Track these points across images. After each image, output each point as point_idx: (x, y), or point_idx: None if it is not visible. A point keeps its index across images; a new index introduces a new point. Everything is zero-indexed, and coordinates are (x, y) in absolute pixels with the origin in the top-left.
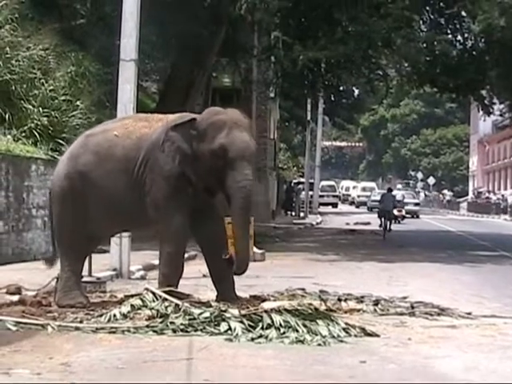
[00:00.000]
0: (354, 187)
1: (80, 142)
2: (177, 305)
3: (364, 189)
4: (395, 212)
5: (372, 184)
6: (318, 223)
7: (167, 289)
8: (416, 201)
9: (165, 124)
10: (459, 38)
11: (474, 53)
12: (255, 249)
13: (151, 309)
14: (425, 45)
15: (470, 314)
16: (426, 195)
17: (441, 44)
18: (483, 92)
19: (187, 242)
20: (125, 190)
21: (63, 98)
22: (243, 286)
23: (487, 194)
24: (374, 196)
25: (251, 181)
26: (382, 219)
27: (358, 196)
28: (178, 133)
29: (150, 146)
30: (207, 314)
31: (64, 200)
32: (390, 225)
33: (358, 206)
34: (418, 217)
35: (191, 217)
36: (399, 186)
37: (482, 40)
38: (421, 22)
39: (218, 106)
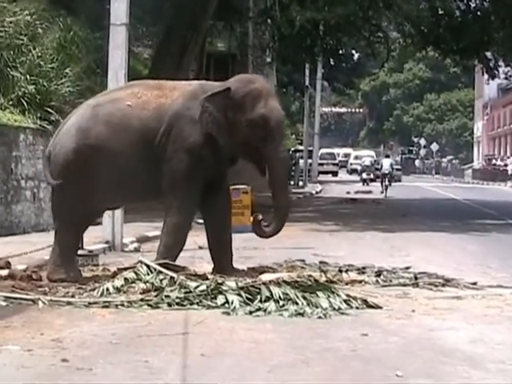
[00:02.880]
0: (345, 155)
1: (88, 113)
2: (172, 278)
3: (356, 157)
4: (364, 175)
5: (365, 152)
6: (317, 192)
7: (162, 261)
8: (397, 166)
9: (184, 93)
10: None
11: (479, 13)
12: (251, 218)
13: (145, 282)
14: (427, 4)
15: (475, 284)
16: (424, 162)
17: (444, 3)
18: (488, 54)
19: (195, 214)
20: (141, 162)
21: (51, 65)
22: (241, 257)
23: (498, 161)
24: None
25: (287, 151)
26: (383, 180)
27: (351, 164)
28: (214, 103)
29: (171, 117)
30: (203, 287)
31: (69, 173)
32: (390, 184)
33: (350, 173)
34: (399, 180)
35: (204, 185)
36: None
37: None
38: None
39: (212, 72)
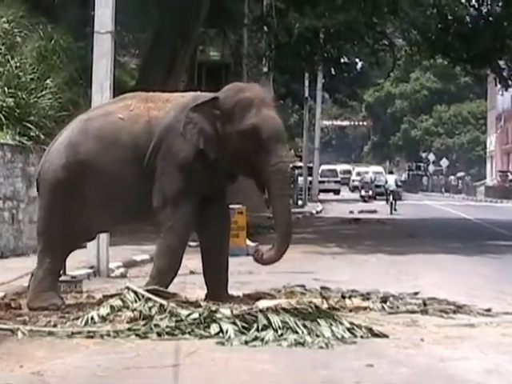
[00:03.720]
0: (344, 171)
1: (78, 127)
2: (162, 305)
3: (359, 174)
4: (362, 192)
5: (373, 168)
6: (318, 212)
7: (150, 287)
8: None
9: (176, 105)
10: (473, 1)
11: (491, 18)
12: (248, 241)
13: (133, 310)
14: (435, 10)
15: (489, 310)
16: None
17: (453, 8)
18: (501, 62)
19: (190, 235)
20: (133, 179)
21: (31, 76)
22: (236, 282)
23: None
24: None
25: (287, 163)
26: (388, 197)
27: (353, 180)
28: (200, 114)
29: (162, 131)
30: (196, 315)
31: (57, 191)
32: (396, 202)
33: (353, 191)
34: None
35: (200, 204)
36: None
37: (500, 4)
38: None
39: (204, 83)
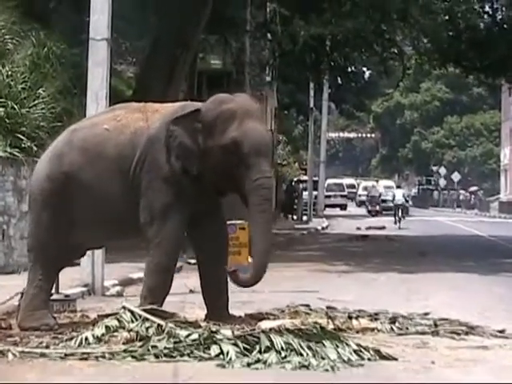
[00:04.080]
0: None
1: (64, 138)
2: (159, 325)
3: (365, 188)
4: (370, 207)
5: (385, 182)
6: (323, 228)
7: (148, 307)
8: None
9: (164, 116)
10: (487, 8)
11: (506, 26)
12: (251, 259)
13: (129, 330)
14: (447, 17)
15: (503, 332)
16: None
17: (466, 16)
18: None
19: (180, 252)
20: (118, 193)
21: (22, 85)
22: (237, 302)
23: None
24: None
25: (270, 178)
26: (396, 212)
27: (360, 195)
28: (181, 127)
29: (147, 143)
30: (195, 336)
31: (45, 205)
32: (403, 215)
33: (359, 206)
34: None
35: (191, 220)
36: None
37: None
38: None
39: (205, 92)
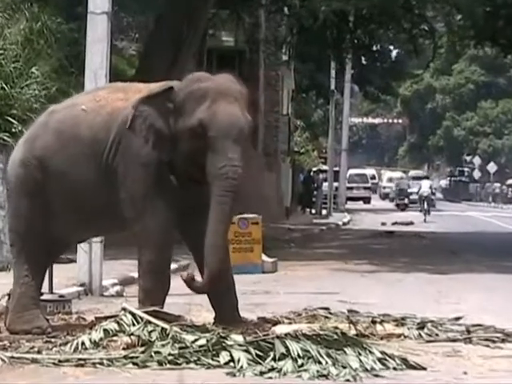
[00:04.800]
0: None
1: (41, 120)
2: (163, 329)
3: (391, 179)
4: (397, 201)
5: (415, 172)
6: (344, 223)
7: (151, 309)
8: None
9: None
10: None
11: None
12: (264, 257)
13: (130, 334)
14: None
15: None
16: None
17: None
18: None
19: (173, 246)
20: (94, 180)
21: (14, 64)
22: (249, 304)
23: None
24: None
25: (237, 167)
26: (422, 205)
27: (384, 187)
28: (151, 107)
29: (121, 125)
30: (203, 342)
31: (20, 192)
32: (429, 208)
33: (383, 199)
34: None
35: (180, 215)
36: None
37: None
38: None
39: (215, 72)
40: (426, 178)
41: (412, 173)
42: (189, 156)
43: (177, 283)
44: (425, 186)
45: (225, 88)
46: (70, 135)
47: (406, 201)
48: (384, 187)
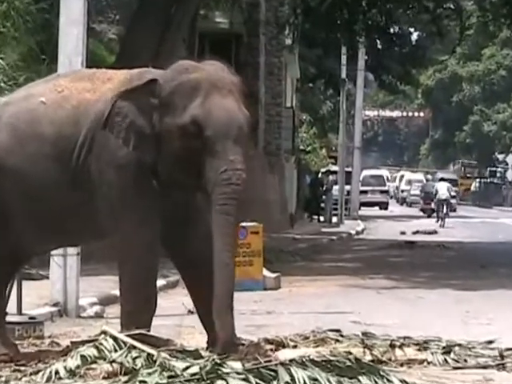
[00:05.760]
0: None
1: None
2: (150, 355)
3: (409, 182)
4: (423, 205)
5: (420, 175)
6: (358, 232)
7: (135, 332)
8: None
9: (116, 86)
10: None
11: None
12: (266, 271)
13: (112, 362)
14: None
15: None
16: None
17: None
18: None
19: (158, 259)
20: (59, 184)
21: None
22: (249, 326)
23: None
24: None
25: (240, 171)
26: (439, 208)
27: (402, 191)
28: (131, 102)
29: (93, 121)
30: (195, 369)
31: None
32: (448, 212)
33: (401, 204)
34: (452, 210)
35: (164, 226)
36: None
37: None
38: None
39: (207, 59)
40: (442, 179)
41: (440, 174)
42: (177, 159)
43: (165, 302)
44: (442, 189)
45: (218, 79)
46: (27, 132)
47: (433, 205)
48: (402, 191)
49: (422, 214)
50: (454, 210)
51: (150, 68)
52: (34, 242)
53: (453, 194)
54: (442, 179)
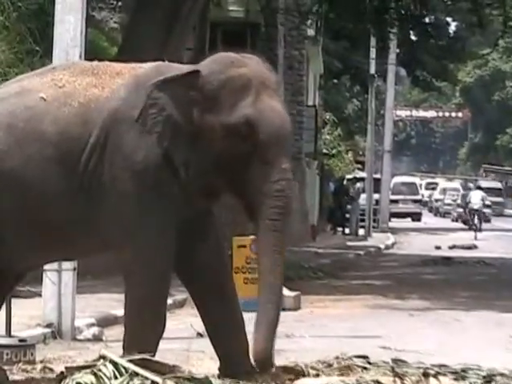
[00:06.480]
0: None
1: None
2: (154, 383)
3: (444, 191)
4: (464, 215)
5: (456, 184)
6: (388, 247)
7: (138, 357)
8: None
9: (130, 81)
10: None
11: None
12: (284, 289)
13: None
14: None
15: None
16: None
17: None
18: None
19: (171, 278)
20: (61, 191)
21: None
22: None
23: None
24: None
25: (291, 182)
26: (472, 218)
27: (436, 200)
28: (169, 94)
29: (107, 120)
30: None
31: None
32: (481, 225)
33: (435, 214)
34: (486, 221)
35: (177, 238)
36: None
37: None
38: None
39: (220, 51)
40: (479, 188)
41: (483, 183)
42: (215, 161)
43: (171, 323)
44: (475, 198)
45: (266, 77)
46: (26, 132)
47: (476, 219)
48: (437, 200)
49: (458, 225)
50: (488, 221)
51: (165, 61)
52: (30, 256)
53: (487, 203)
54: (478, 187)
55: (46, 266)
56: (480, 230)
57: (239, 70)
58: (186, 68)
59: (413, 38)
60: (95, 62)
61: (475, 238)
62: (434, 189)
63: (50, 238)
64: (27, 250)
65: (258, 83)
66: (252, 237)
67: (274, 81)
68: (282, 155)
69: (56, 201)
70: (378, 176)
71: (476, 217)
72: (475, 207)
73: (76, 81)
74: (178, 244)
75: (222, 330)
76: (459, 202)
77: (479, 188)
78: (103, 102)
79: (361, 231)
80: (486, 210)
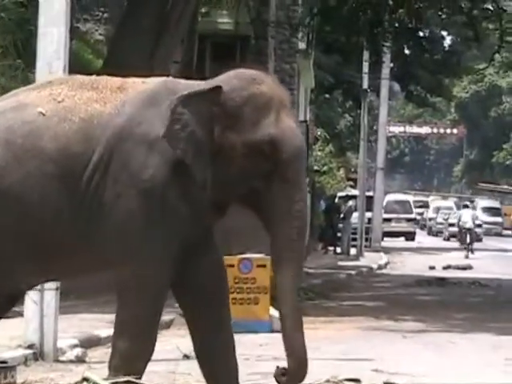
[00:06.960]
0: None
1: None
2: None
3: (438, 210)
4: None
5: (450, 203)
6: (380, 267)
7: (123, 379)
8: (478, 221)
9: (134, 97)
10: None
11: None
12: (273, 311)
13: None
14: None
15: None
16: None
17: None
18: None
19: (165, 299)
20: (61, 208)
21: None
22: (253, 373)
23: None
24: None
25: (306, 203)
26: (464, 237)
27: (430, 219)
28: (193, 109)
29: (111, 137)
30: None
31: None
32: (472, 244)
33: (428, 233)
34: (477, 240)
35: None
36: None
37: None
38: None
39: (208, 65)
40: (466, 206)
41: (482, 202)
42: (234, 179)
43: (157, 345)
44: (466, 217)
45: (284, 96)
46: (24, 149)
47: (468, 238)
48: (430, 219)
49: (452, 244)
50: (480, 240)
51: (168, 78)
52: (26, 273)
53: (477, 222)
54: (465, 206)
55: None
56: (471, 250)
57: (261, 87)
58: (196, 84)
59: (407, 51)
60: (92, 77)
61: (466, 257)
62: (421, 207)
63: (48, 256)
64: (25, 269)
65: (277, 102)
66: (240, 256)
67: (289, 99)
68: (301, 175)
69: (55, 218)
70: (370, 194)
71: (468, 236)
72: (466, 226)
73: (75, 95)
74: (181, 257)
75: (212, 349)
76: (450, 221)
77: (466, 206)
78: (106, 118)
79: (353, 250)
80: (477, 230)
